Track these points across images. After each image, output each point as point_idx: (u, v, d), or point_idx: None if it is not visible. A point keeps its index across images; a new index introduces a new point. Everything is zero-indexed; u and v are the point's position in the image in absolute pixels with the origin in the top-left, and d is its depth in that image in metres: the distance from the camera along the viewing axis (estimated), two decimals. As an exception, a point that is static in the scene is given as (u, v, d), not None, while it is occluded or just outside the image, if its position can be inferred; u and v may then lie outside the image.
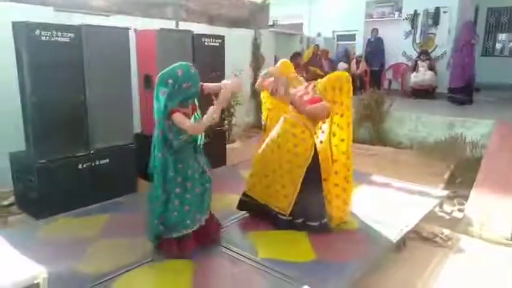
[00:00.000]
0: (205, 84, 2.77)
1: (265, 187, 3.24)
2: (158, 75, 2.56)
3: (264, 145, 3.33)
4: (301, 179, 3.07)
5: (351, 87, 3.20)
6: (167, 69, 2.55)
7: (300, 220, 3.16)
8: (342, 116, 3.17)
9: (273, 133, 3.27)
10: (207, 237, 2.92)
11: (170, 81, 2.50)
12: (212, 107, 2.58)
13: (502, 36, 11.57)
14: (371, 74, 10.16)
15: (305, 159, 3.05)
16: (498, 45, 11.66)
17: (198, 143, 2.78)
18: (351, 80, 3.23)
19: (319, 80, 3.25)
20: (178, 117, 2.50)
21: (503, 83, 10.18)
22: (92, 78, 3.78)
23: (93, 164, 3.84)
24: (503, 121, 6.22)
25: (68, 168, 3.68)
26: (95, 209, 3.66)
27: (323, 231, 3.12)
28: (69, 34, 3.51)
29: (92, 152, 3.84)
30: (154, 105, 2.61)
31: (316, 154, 3.12)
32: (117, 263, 2.68)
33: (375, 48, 10.42)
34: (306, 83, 3.37)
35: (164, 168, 2.64)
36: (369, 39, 10.63)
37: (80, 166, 3.76)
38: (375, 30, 10.47)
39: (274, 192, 3.19)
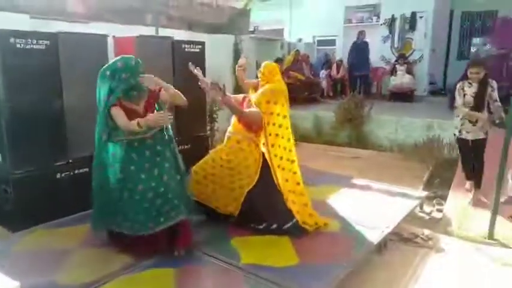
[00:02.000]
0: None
1: (212, 192, 3.34)
2: (100, 69, 2.62)
3: (208, 160, 3.38)
4: (250, 186, 3.18)
5: (287, 98, 3.37)
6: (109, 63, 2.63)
7: (263, 225, 3.20)
8: (280, 126, 3.23)
9: (219, 152, 3.39)
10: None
11: (108, 73, 2.59)
12: (158, 112, 2.61)
13: (476, 40, 11.90)
14: (360, 78, 9.89)
15: (256, 168, 3.19)
16: (473, 49, 11.99)
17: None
18: (286, 91, 3.42)
19: (252, 94, 3.41)
20: (114, 110, 2.57)
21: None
22: (70, 85, 3.71)
23: (72, 173, 3.76)
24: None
25: (46, 178, 3.59)
26: (75, 219, 3.58)
27: (297, 232, 3.15)
28: (45, 41, 3.45)
29: (71, 160, 3.76)
30: (97, 98, 2.69)
31: (266, 162, 3.21)
32: (97, 273, 2.63)
33: (362, 52, 9.86)
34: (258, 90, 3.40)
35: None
36: (354, 42, 10.15)
37: (58, 176, 3.67)
38: (362, 33, 10.02)
39: (223, 196, 3.29)
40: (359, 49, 9.91)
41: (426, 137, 6.45)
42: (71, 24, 4.77)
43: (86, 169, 3.84)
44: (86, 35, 3.96)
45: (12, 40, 3.26)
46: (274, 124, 3.20)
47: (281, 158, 3.22)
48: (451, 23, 11.34)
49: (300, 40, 11.73)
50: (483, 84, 4.02)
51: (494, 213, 3.60)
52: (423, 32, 10.01)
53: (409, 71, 9.44)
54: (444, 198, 4.57)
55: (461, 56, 11.46)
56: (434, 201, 4.57)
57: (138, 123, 2.52)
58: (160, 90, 2.78)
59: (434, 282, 2.96)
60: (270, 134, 3.18)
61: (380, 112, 7.58)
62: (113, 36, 4.44)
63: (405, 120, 7.05)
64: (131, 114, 2.62)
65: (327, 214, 3.64)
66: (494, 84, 4.06)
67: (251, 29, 9.97)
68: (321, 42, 12.08)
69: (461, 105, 4.12)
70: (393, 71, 9.56)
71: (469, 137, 4.19)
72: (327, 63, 10.71)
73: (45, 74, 3.53)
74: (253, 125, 3.24)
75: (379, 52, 10.52)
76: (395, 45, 10.42)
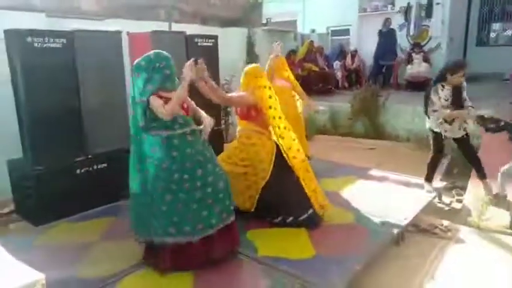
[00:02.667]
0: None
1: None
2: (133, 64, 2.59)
3: (224, 157, 3.38)
4: (265, 181, 3.19)
5: (264, 82, 3.30)
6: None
7: (279, 218, 3.22)
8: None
9: (232, 149, 3.41)
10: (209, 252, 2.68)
11: (143, 63, 2.54)
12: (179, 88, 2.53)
13: (495, 26, 11.56)
14: (386, 68, 9.78)
15: (269, 160, 3.21)
16: (492, 35, 11.66)
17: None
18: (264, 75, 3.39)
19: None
20: (153, 99, 2.47)
21: (498, 72, 10.19)
22: (87, 82, 3.78)
23: (91, 168, 3.84)
24: (498, 109, 6.22)
25: (66, 173, 3.67)
26: (94, 213, 3.68)
27: (313, 223, 3.17)
28: (61, 40, 3.51)
29: (89, 156, 3.84)
30: (130, 92, 2.62)
31: (279, 152, 3.23)
32: (118, 266, 2.69)
33: (388, 40, 9.65)
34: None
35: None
36: (380, 31, 9.93)
37: (78, 171, 3.75)
38: (388, 21, 9.77)
39: (239, 193, 3.26)
40: (386, 37, 9.73)
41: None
42: (86, 22, 4.83)
43: (105, 164, 3.93)
44: (101, 32, 4.02)
45: (29, 39, 3.32)
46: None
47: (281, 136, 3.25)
48: (469, 8, 11.02)
49: (313, 31, 11.59)
50: (457, 86, 3.87)
51: (516, 203, 3.52)
52: (440, 19, 9.73)
53: (426, 60, 9.23)
54: (463, 188, 4.49)
55: (480, 43, 11.16)
56: (454, 192, 4.49)
57: (174, 99, 2.46)
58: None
59: (453, 273, 2.91)
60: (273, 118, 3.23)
61: (397, 102, 7.46)
62: (128, 33, 4.48)
63: (422, 109, 6.90)
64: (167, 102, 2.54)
65: (343, 206, 3.63)
66: (465, 84, 3.93)
67: (264, 21, 9.90)
68: (335, 33, 11.90)
69: (440, 108, 3.90)
70: (409, 60, 9.37)
71: (448, 134, 4.04)
72: (341, 53, 10.56)
73: (62, 71, 3.60)
74: (251, 111, 3.23)
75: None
76: (411, 33, 10.19)
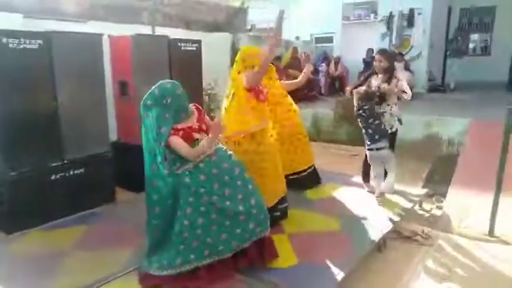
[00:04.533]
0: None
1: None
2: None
3: None
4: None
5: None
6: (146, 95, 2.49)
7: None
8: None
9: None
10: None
11: (149, 102, 2.43)
12: (206, 137, 2.49)
13: (474, 36, 11.88)
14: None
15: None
16: (471, 45, 11.98)
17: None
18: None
19: None
20: (174, 139, 2.40)
21: (476, 81, 10.46)
22: (65, 85, 3.66)
23: (67, 174, 3.71)
24: (477, 119, 6.36)
25: (40, 179, 3.54)
26: (70, 220, 3.57)
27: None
28: (38, 41, 3.39)
29: (65, 161, 3.72)
30: (143, 137, 2.52)
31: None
32: (93, 277, 2.60)
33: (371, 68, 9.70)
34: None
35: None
36: (363, 60, 10.08)
37: (53, 177, 3.62)
38: (370, 50, 9.89)
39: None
40: (369, 66, 9.72)
41: (426, 134, 6.42)
42: (67, 24, 4.72)
43: (82, 170, 3.81)
44: (80, 34, 3.91)
45: (4, 40, 3.20)
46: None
47: None
48: (449, 19, 11.30)
49: (297, 38, 11.68)
50: (389, 75, 3.85)
51: (494, 210, 3.57)
52: (421, 28, 9.95)
53: (407, 68, 9.39)
54: (444, 195, 4.54)
55: (459, 52, 11.44)
56: (434, 199, 4.53)
57: (203, 146, 2.44)
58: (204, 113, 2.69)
59: (433, 280, 2.92)
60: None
61: (379, 109, 7.52)
62: (109, 36, 4.39)
63: (404, 117, 6.95)
64: (187, 132, 2.48)
65: (327, 213, 3.61)
66: (400, 75, 3.98)
67: (248, 27, 9.91)
68: (319, 40, 12.03)
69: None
70: (391, 68, 9.49)
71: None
72: (325, 60, 10.66)
73: (38, 73, 3.48)
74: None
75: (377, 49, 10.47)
76: (393, 42, 10.37)
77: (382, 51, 4.09)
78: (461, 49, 9.75)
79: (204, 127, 2.58)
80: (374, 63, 3.98)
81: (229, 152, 2.69)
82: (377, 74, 3.98)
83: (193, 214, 2.47)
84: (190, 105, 2.63)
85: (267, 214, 2.68)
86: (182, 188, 2.48)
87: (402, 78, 3.92)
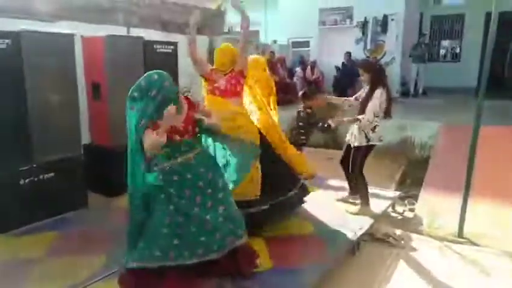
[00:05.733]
0: None
1: None
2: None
3: None
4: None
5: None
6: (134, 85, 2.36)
7: (276, 200, 3.24)
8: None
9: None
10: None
11: (136, 94, 2.28)
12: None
13: (445, 43, 12.28)
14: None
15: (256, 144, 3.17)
16: (442, 51, 12.37)
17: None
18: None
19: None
20: (145, 133, 2.27)
21: (447, 86, 10.80)
22: (34, 86, 3.54)
23: (36, 178, 3.59)
24: (448, 122, 6.57)
25: (9, 184, 3.40)
26: (40, 226, 3.46)
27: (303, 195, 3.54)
28: (6, 40, 3.28)
29: (35, 165, 3.59)
30: (128, 134, 2.38)
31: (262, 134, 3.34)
32: (66, 283, 2.54)
33: (351, 74, 9.42)
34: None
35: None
36: (343, 63, 10.14)
37: (21, 181, 3.49)
38: (347, 54, 9.96)
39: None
40: (347, 72, 9.90)
41: (399, 137, 6.58)
42: (36, 23, 4.57)
43: (52, 174, 3.69)
44: (51, 34, 3.79)
45: (-31, 39, 3.08)
46: None
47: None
48: (421, 26, 11.65)
49: (275, 42, 11.76)
50: (371, 89, 3.65)
51: (463, 212, 3.69)
52: (394, 34, 10.21)
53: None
54: (416, 197, 4.66)
55: (431, 58, 11.81)
56: (406, 201, 4.64)
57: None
58: (198, 105, 2.54)
59: (406, 281, 2.99)
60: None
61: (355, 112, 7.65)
62: (81, 36, 4.29)
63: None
64: (171, 133, 2.37)
65: (302, 216, 3.63)
66: (378, 93, 3.59)
67: (226, 30, 9.89)
68: (295, 44, 12.15)
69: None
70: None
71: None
72: (301, 64, 10.77)
73: (6, 74, 3.35)
74: (237, 85, 3.28)
75: (352, 54, 10.67)
76: (368, 47, 10.59)
77: (361, 64, 3.89)
78: (423, 55, 10.03)
79: (189, 128, 2.46)
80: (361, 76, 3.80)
81: (211, 155, 2.66)
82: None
83: (162, 212, 2.42)
84: (182, 97, 2.50)
85: (238, 224, 2.61)
86: (156, 185, 2.43)
87: (368, 111, 3.60)
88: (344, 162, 4.04)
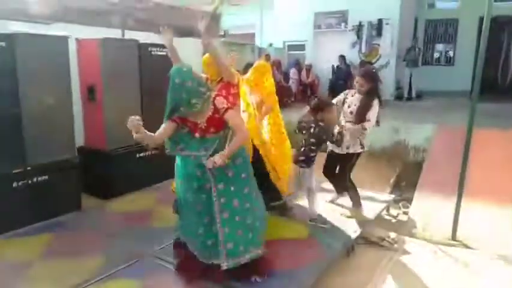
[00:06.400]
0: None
1: None
2: None
3: None
4: None
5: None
6: None
7: None
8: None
9: None
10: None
11: (177, 80, 2.39)
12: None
13: (439, 47, 12.36)
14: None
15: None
16: (436, 55, 12.46)
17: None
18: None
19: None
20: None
21: (441, 89, 10.87)
22: (29, 88, 3.53)
23: (30, 181, 3.57)
24: (442, 126, 6.61)
25: (2, 186, 3.39)
26: (35, 229, 3.44)
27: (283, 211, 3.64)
28: (0, 43, 3.27)
29: (29, 168, 3.57)
30: None
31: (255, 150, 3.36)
32: (60, 286, 2.53)
33: (345, 77, 9.48)
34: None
35: None
36: (337, 66, 10.17)
37: (15, 184, 3.47)
38: (342, 58, 10.02)
39: None
40: (342, 75, 9.93)
41: (394, 140, 6.61)
42: (32, 25, 4.57)
43: (46, 176, 3.67)
44: (46, 36, 3.79)
45: (-37, 41, 3.07)
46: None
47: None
48: (416, 30, 11.73)
49: (270, 45, 11.79)
50: (367, 98, 3.58)
51: (457, 215, 3.71)
52: (389, 38, 10.28)
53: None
54: (410, 200, 4.68)
55: (425, 62, 11.88)
56: (400, 204, 4.66)
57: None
58: (226, 110, 2.48)
59: (400, 284, 3.00)
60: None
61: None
62: (76, 39, 4.28)
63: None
64: (193, 129, 2.51)
65: (296, 219, 3.64)
66: (376, 102, 3.58)
67: (221, 33, 9.92)
68: (291, 47, 12.19)
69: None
70: (360, 76, 9.72)
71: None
72: (296, 67, 10.81)
73: (0, 76, 3.34)
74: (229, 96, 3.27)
75: (347, 58, 10.72)
76: (362, 51, 10.66)
77: (363, 73, 3.66)
78: (416, 59, 10.08)
79: (212, 129, 2.48)
80: (355, 83, 3.68)
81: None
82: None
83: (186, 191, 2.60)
84: (217, 98, 2.52)
85: (247, 239, 2.57)
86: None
87: (371, 118, 3.57)
88: (327, 171, 3.99)
